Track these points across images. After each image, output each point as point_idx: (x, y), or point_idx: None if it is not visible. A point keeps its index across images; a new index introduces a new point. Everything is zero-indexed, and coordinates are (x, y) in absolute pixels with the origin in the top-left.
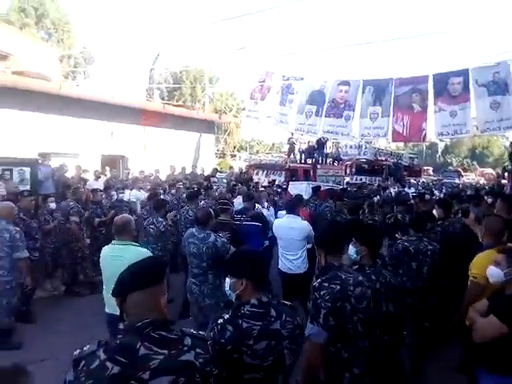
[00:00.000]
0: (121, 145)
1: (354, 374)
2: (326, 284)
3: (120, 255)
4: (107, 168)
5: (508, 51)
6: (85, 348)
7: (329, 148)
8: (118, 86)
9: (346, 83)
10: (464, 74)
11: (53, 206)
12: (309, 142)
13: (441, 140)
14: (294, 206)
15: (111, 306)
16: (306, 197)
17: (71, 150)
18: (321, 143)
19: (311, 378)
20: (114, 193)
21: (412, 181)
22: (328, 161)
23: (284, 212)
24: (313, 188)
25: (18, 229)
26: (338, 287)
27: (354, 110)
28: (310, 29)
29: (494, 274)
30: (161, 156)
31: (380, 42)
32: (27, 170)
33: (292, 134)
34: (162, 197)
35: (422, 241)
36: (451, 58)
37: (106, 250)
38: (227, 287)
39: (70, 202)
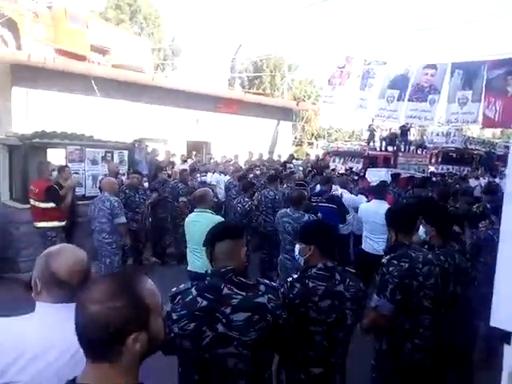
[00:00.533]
0: (204, 131)
1: (415, 344)
2: (395, 261)
3: (198, 220)
4: (193, 152)
5: None
6: (180, 286)
7: (413, 135)
8: (202, 75)
9: (433, 67)
10: None
11: (146, 185)
12: (390, 129)
13: None
14: (380, 191)
15: (192, 265)
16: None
17: (161, 136)
18: (404, 130)
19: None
20: (198, 175)
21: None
22: (411, 149)
23: (359, 197)
24: (392, 175)
25: (117, 199)
26: (407, 265)
27: (439, 94)
28: (392, 11)
29: None
30: (240, 142)
31: (469, 22)
32: (125, 152)
33: (372, 121)
34: None
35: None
36: None
37: (188, 217)
38: (297, 252)
39: (178, 184)
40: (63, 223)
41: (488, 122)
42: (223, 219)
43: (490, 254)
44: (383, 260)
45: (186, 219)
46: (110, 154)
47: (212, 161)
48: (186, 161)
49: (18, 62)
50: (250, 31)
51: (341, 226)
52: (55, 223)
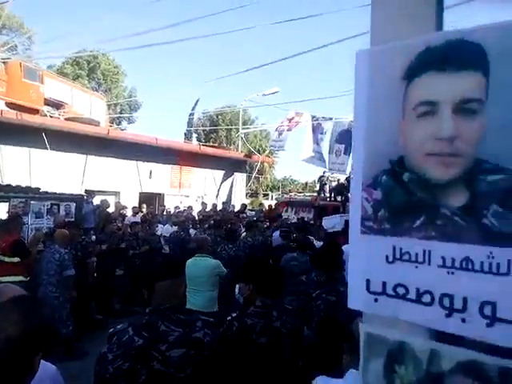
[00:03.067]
0: (158, 183)
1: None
2: (324, 295)
3: (198, 264)
4: (144, 205)
5: None
6: (118, 326)
7: None
8: (160, 129)
9: None
10: None
11: (93, 238)
12: (338, 180)
13: None
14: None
15: (192, 304)
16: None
17: (113, 188)
18: (350, 181)
19: None
20: (159, 226)
21: None
22: None
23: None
24: (346, 220)
25: (67, 251)
26: (334, 298)
27: None
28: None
29: None
30: (195, 193)
31: None
32: (73, 205)
33: (324, 173)
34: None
35: None
36: None
37: (189, 262)
38: (237, 291)
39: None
40: (27, 279)
41: None
42: (219, 263)
43: None
44: (313, 294)
45: (187, 263)
46: (56, 207)
47: (165, 212)
48: (137, 213)
49: None
50: (208, 87)
51: None
52: (20, 278)
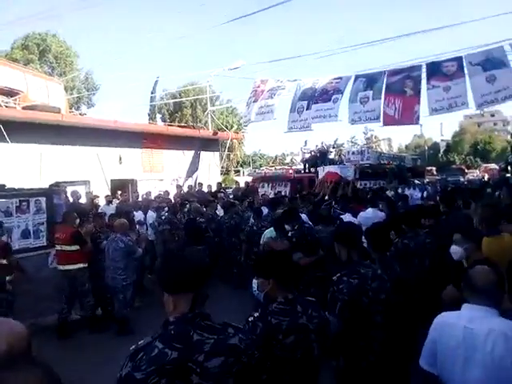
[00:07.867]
0: (129, 169)
1: (370, 361)
2: (345, 278)
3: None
4: (118, 192)
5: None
6: (139, 342)
7: (333, 156)
8: (121, 111)
9: (338, 78)
10: (458, 59)
11: None
12: (311, 152)
13: (435, 113)
14: None
15: None
16: None
17: (81, 178)
18: (322, 152)
19: None
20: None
21: (416, 181)
22: None
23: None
24: None
25: (129, 238)
26: (356, 281)
27: (342, 94)
28: (305, 32)
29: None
30: (168, 177)
31: (375, 42)
32: (43, 199)
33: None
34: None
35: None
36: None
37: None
38: (255, 287)
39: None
40: (86, 265)
41: (388, 120)
42: None
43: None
44: (334, 278)
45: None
46: (25, 203)
47: (140, 198)
48: (111, 201)
49: None
50: (166, 64)
51: None
52: (80, 265)
